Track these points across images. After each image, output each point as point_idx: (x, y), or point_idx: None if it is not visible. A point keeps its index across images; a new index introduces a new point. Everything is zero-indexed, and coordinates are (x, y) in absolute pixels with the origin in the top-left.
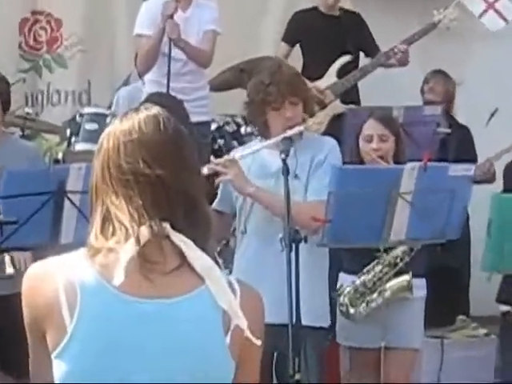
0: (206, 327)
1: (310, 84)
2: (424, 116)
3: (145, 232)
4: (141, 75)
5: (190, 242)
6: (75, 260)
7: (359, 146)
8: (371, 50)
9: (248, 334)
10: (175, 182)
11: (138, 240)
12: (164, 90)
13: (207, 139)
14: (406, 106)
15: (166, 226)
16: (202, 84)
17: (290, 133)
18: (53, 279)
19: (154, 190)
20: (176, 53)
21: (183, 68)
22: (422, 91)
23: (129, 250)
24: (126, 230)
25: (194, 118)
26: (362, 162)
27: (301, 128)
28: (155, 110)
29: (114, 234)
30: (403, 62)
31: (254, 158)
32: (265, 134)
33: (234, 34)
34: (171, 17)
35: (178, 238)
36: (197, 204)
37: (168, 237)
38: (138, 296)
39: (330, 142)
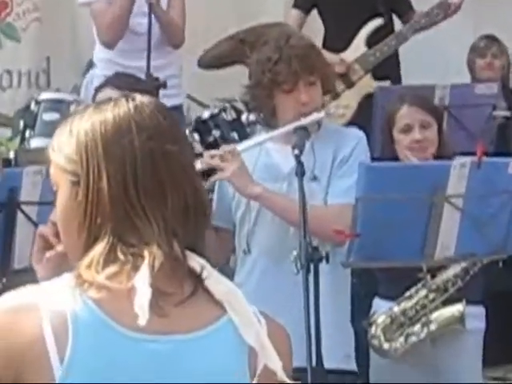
0: (229, 368)
1: (333, 57)
2: (476, 96)
3: (159, 255)
4: (109, 48)
5: (203, 262)
6: (61, 288)
7: (393, 141)
8: (403, 9)
9: (283, 376)
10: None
11: (153, 265)
12: (122, 70)
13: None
14: (453, 84)
15: (175, 243)
16: (168, 60)
17: (305, 121)
18: (33, 312)
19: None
20: (132, 24)
21: (141, 43)
22: (471, 65)
23: (145, 277)
24: (138, 256)
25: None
26: (396, 158)
27: (320, 115)
28: (145, 99)
29: (112, 262)
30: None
31: (259, 156)
32: (272, 123)
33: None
34: None
35: (193, 259)
36: (200, 209)
37: (178, 258)
38: (148, 332)
39: (356, 133)
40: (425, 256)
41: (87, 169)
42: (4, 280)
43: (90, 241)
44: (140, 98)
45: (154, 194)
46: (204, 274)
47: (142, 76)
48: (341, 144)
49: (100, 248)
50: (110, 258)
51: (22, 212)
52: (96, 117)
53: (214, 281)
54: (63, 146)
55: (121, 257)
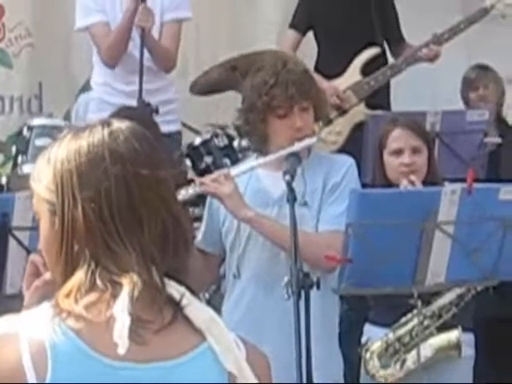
0: None
1: (325, 83)
2: (467, 123)
3: (138, 283)
4: (111, 68)
5: (183, 290)
6: (40, 317)
7: (383, 163)
8: (395, 39)
9: None
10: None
11: (132, 294)
12: (114, 94)
13: (176, 155)
14: (445, 111)
15: (154, 271)
16: (164, 84)
17: (298, 147)
18: (13, 341)
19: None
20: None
21: (134, 65)
22: (465, 97)
23: (124, 306)
24: (117, 284)
25: None
26: (388, 184)
27: (312, 140)
28: (123, 126)
29: (91, 290)
30: (432, 59)
31: (249, 181)
32: (263, 148)
33: (222, 22)
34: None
35: (172, 287)
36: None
37: (157, 286)
38: (128, 360)
39: (347, 160)
40: (416, 282)
41: (62, 198)
42: None
43: (69, 269)
44: (117, 124)
45: (130, 220)
46: (183, 302)
47: (131, 101)
48: (331, 171)
49: (79, 276)
50: (88, 285)
51: (14, 237)
52: (72, 145)
53: (194, 308)
54: (42, 176)
55: (100, 284)
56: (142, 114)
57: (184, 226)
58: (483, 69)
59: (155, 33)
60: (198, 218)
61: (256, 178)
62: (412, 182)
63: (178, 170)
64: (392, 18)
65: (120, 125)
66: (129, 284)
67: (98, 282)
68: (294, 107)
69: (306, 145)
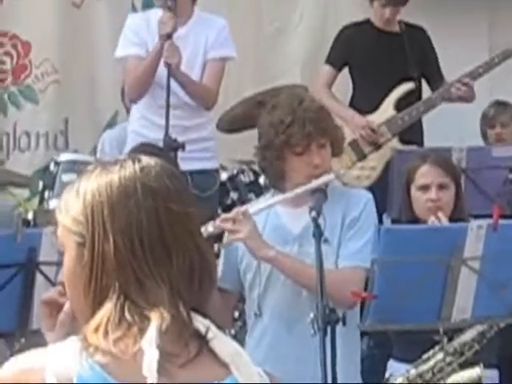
0: None
1: (357, 117)
2: (493, 159)
3: (166, 317)
4: (132, 102)
5: (208, 323)
6: (68, 351)
7: (411, 198)
8: (433, 77)
9: None
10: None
11: (160, 328)
12: (151, 128)
13: (211, 192)
14: (470, 147)
15: (181, 305)
16: (203, 121)
17: (316, 183)
18: (39, 376)
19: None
20: (162, 79)
21: (174, 99)
22: (484, 134)
23: (152, 339)
24: (145, 318)
25: (189, 166)
26: (415, 220)
27: (330, 177)
28: (152, 162)
29: (119, 323)
30: (467, 99)
31: (268, 219)
32: (279, 185)
33: (247, 58)
34: (169, 36)
35: (198, 321)
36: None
37: (184, 320)
38: None
39: (364, 194)
40: (442, 319)
41: (93, 230)
42: (23, 340)
43: (97, 302)
44: (147, 160)
45: (160, 254)
46: (209, 335)
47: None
48: (349, 205)
49: (108, 309)
50: (117, 319)
51: (41, 272)
52: (102, 178)
53: (219, 341)
54: (70, 207)
55: (128, 317)
56: (158, 152)
57: (210, 262)
58: (501, 105)
59: (197, 71)
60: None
61: (275, 214)
62: (439, 219)
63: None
64: (431, 57)
65: (150, 161)
66: (157, 318)
67: (127, 315)
68: (311, 144)
69: (324, 181)
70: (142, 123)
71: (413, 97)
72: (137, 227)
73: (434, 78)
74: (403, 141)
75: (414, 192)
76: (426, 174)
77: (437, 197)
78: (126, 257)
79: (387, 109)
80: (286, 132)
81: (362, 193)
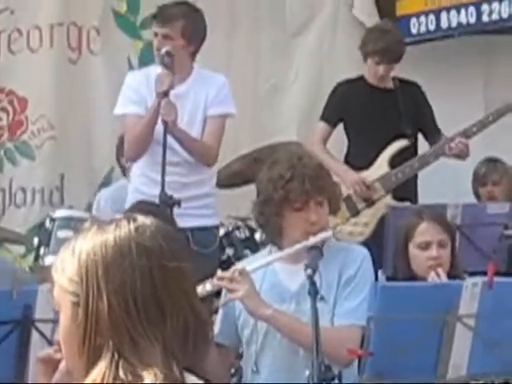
0: None
1: (350, 173)
2: (488, 215)
3: (159, 377)
4: (131, 161)
5: (202, 383)
6: None
7: (408, 255)
8: (430, 132)
9: None
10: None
11: None
12: (151, 185)
13: (211, 249)
14: (465, 204)
15: (174, 364)
16: (203, 177)
17: (313, 240)
18: None
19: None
20: (161, 136)
21: (173, 156)
22: (476, 192)
23: None
24: (138, 377)
25: (189, 223)
26: (412, 277)
27: (328, 234)
28: (146, 221)
29: (115, 380)
30: (461, 156)
31: (265, 276)
32: (277, 241)
33: (244, 115)
34: (166, 94)
35: (191, 380)
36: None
37: (177, 380)
38: None
39: (361, 251)
40: (438, 376)
41: (87, 290)
42: None
43: (91, 361)
44: (142, 219)
45: (155, 314)
46: None
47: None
48: (346, 263)
49: (101, 368)
50: (111, 378)
51: (37, 329)
52: (98, 238)
53: None
54: (65, 266)
55: (122, 376)
56: (155, 209)
57: (204, 321)
58: (492, 163)
59: (197, 128)
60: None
61: (272, 271)
62: (439, 275)
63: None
64: (426, 111)
65: (145, 221)
66: (151, 377)
67: (121, 374)
68: (309, 201)
69: (321, 239)
70: (142, 180)
71: (407, 153)
72: (131, 287)
73: (431, 131)
74: (397, 197)
75: (412, 250)
76: (425, 231)
77: (438, 254)
78: (120, 316)
79: (381, 165)
80: (285, 187)
81: (358, 250)
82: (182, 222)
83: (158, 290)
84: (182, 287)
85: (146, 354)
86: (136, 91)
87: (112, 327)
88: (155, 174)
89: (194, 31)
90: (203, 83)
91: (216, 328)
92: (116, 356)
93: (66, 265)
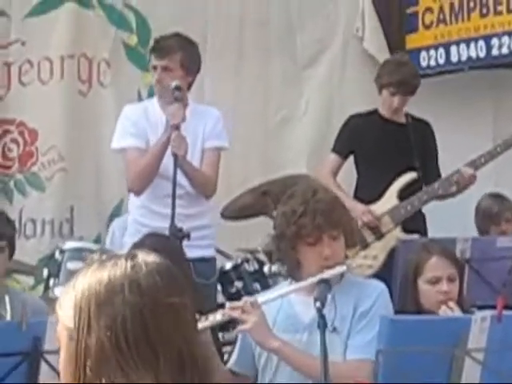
0: None
1: (363, 207)
2: (497, 249)
3: None
4: (136, 195)
5: None
6: None
7: (417, 289)
8: (431, 173)
9: None
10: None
11: None
12: (153, 217)
13: (212, 280)
14: (475, 237)
15: None
16: (203, 209)
17: (327, 274)
18: None
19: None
20: (164, 169)
21: (177, 189)
22: (484, 227)
23: None
24: None
25: (191, 253)
26: (420, 311)
27: (343, 268)
28: (148, 259)
29: None
30: (464, 187)
31: (281, 306)
32: (296, 274)
33: (253, 147)
34: (178, 127)
35: None
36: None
37: None
38: None
39: (378, 286)
40: None
41: (78, 326)
42: None
43: None
44: (142, 257)
45: (145, 351)
46: None
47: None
48: (362, 297)
49: None
50: None
51: (46, 361)
52: (95, 275)
53: None
54: (65, 303)
55: None
56: (165, 241)
57: (201, 355)
58: (500, 199)
59: (197, 159)
60: (228, 343)
61: (288, 302)
62: (451, 308)
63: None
64: (432, 152)
65: (145, 258)
66: None
67: None
68: (322, 236)
69: (335, 273)
70: (143, 212)
71: (416, 186)
72: (121, 324)
73: (432, 174)
74: (406, 230)
75: (422, 285)
76: (435, 266)
77: (448, 289)
78: (111, 351)
79: (390, 198)
80: (297, 223)
81: (375, 284)
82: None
83: (149, 328)
84: (176, 323)
85: None
86: (134, 124)
87: (103, 363)
88: (156, 206)
89: (192, 62)
90: (200, 116)
91: (233, 357)
92: None
93: (65, 301)
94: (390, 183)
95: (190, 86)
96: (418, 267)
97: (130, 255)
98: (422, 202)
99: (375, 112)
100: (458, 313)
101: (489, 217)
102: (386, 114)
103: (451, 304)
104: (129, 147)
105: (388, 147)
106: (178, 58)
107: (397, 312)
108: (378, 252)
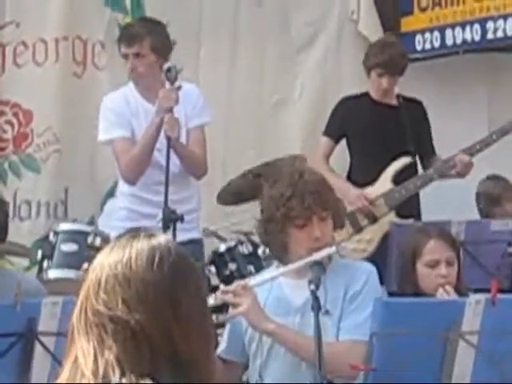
0: None
1: (356, 191)
2: (491, 232)
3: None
4: (131, 184)
5: None
6: None
7: (416, 272)
8: (426, 151)
9: None
10: (161, 333)
11: None
12: (142, 204)
13: (201, 262)
14: (469, 221)
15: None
16: (188, 194)
17: (317, 256)
18: None
19: (134, 338)
20: (153, 157)
21: (161, 175)
22: (487, 209)
23: None
24: None
25: (180, 236)
26: (418, 293)
27: (332, 250)
28: (158, 239)
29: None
30: (463, 174)
31: (271, 290)
32: (283, 257)
33: (248, 130)
34: (171, 110)
35: None
36: (191, 362)
37: None
38: None
39: (367, 267)
40: None
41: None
42: None
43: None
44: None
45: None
46: None
47: (158, 210)
48: (352, 278)
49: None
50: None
51: (40, 342)
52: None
53: None
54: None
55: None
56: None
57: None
58: (502, 181)
59: (183, 140)
60: (222, 325)
61: (278, 286)
62: (447, 292)
63: None
64: (425, 132)
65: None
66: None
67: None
68: (312, 217)
69: (325, 254)
70: (132, 200)
71: (410, 170)
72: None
73: (426, 151)
74: (400, 215)
75: (420, 268)
76: (433, 249)
77: (447, 272)
78: None
79: (385, 182)
80: (286, 205)
81: (364, 266)
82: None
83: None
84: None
85: None
86: (117, 114)
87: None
88: (145, 193)
89: (162, 44)
90: (180, 97)
91: (222, 344)
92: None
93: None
94: (383, 167)
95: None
96: (416, 250)
97: (151, 235)
98: (416, 186)
99: (366, 95)
100: (453, 296)
101: (491, 200)
102: (376, 96)
103: (448, 287)
104: (116, 138)
105: (379, 130)
106: (147, 43)
107: (391, 294)
108: (372, 236)
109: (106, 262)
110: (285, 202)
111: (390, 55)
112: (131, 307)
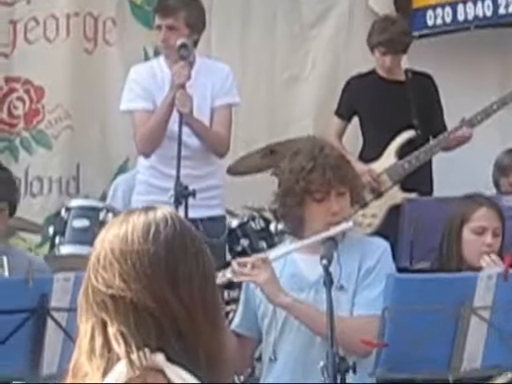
0: None
1: (358, 165)
2: (504, 208)
3: (122, 368)
4: (145, 157)
5: (187, 376)
6: None
7: (461, 239)
8: (436, 125)
9: None
10: (161, 306)
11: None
12: (161, 178)
13: (221, 238)
14: None
15: (157, 356)
16: (211, 170)
17: (334, 231)
18: None
19: (136, 314)
20: (172, 131)
21: (184, 150)
22: (496, 182)
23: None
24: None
25: (199, 213)
26: (460, 268)
27: (349, 225)
28: (154, 212)
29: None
30: (460, 145)
31: (285, 265)
32: (298, 232)
33: (259, 106)
34: (183, 86)
35: (174, 372)
36: (195, 334)
37: (162, 370)
38: None
39: (381, 243)
40: (451, 368)
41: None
42: None
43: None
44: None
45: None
46: None
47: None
48: (366, 254)
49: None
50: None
51: (52, 318)
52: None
53: None
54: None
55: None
56: None
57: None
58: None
59: (206, 117)
60: (234, 300)
61: (292, 261)
62: (493, 261)
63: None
64: (434, 106)
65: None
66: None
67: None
68: (331, 192)
69: (341, 229)
70: (152, 173)
71: (416, 144)
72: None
73: (437, 125)
74: (405, 188)
75: (467, 234)
76: (484, 217)
77: (492, 242)
78: None
79: (389, 157)
80: (306, 178)
81: (378, 241)
82: (193, 213)
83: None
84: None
85: None
86: (141, 86)
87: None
88: (164, 167)
89: (197, 20)
90: (207, 74)
91: (236, 319)
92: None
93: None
94: (388, 142)
95: (195, 43)
96: (465, 216)
97: (159, 208)
98: (419, 160)
99: (373, 72)
100: (499, 267)
101: (498, 169)
102: (381, 73)
103: (494, 256)
104: (136, 109)
105: (385, 106)
106: (182, 16)
107: (401, 269)
108: (376, 210)
109: (105, 239)
110: (305, 176)
111: (392, 34)
112: (129, 282)
